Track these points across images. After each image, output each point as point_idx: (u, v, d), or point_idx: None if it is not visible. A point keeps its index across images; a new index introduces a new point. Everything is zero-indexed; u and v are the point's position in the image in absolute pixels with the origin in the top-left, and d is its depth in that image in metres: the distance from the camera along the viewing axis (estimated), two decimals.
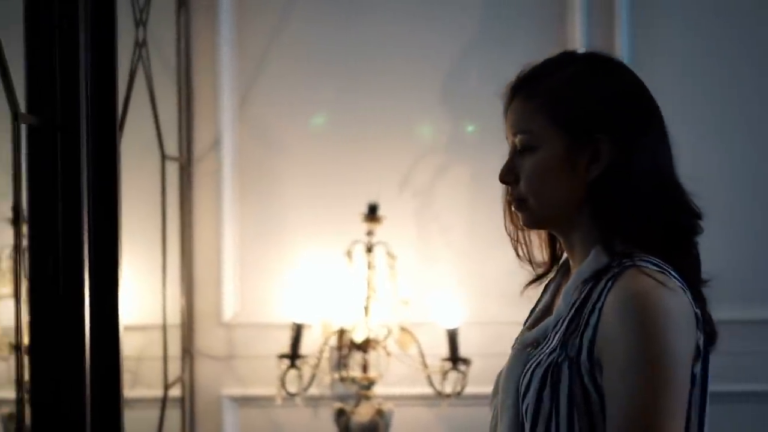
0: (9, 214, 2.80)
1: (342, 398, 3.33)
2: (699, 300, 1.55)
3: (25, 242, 2.72)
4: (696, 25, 3.48)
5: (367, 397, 3.23)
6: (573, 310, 1.53)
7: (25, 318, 2.85)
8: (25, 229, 2.92)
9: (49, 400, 1.22)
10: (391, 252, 3.29)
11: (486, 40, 3.46)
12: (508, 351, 3.43)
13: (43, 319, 1.18)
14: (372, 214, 3.26)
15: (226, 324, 3.45)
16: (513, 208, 1.65)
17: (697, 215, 1.61)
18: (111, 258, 1.60)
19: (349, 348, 3.22)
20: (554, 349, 1.52)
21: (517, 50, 3.44)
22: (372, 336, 3.22)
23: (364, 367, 3.23)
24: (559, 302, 1.60)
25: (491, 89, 3.43)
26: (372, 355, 3.23)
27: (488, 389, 3.41)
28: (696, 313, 1.51)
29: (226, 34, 3.45)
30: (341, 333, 3.24)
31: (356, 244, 3.28)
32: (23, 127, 1.05)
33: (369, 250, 3.27)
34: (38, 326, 1.21)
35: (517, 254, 1.72)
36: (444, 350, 3.20)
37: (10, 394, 2.79)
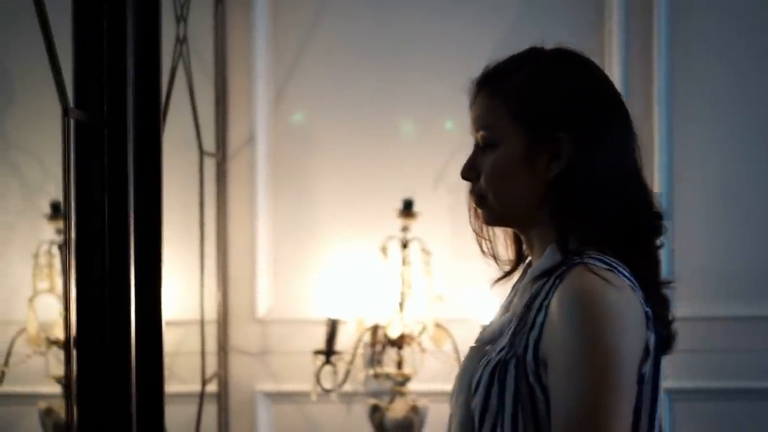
0: (47, 209, 2.83)
1: (376, 394, 3.33)
2: (656, 300, 1.53)
3: (60, 238, 2.74)
4: (735, 24, 3.45)
5: (402, 394, 3.23)
6: (523, 308, 1.53)
7: (66, 313, 2.88)
8: (62, 224, 2.95)
9: (96, 395, 1.22)
10: (426, 248, 3.29)
11: (520, 36, 3.44)
12: None
13: (90, 314, 1.18)
14: (407, 209, 3.26)
15: (260, 320, 3.46)
16: (474, 205, 1.64)
17: (658, 215, 1.58)
18: (154, 253, 1.61)
19: (383, 344, 3.22)
20: (503, 347, 1.51)
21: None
22: (407, 332, 3.22)
23: (399, 364, 3.23)
24: (515, 300, 1.60)
25: None
26: (407, 351, 3.23)
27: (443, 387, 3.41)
28: (646, 312, 1.48)
29: (261, 30, 3.45)
30: (375, 329, 3.24)
31: (391, 240, 3.28)
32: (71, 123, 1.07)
33: (404, 246, 3.27)
34: (85, 321, 1.21)
35: (482, 250, 1.71)
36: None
37: (48, 388, 2.82)
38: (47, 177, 2.75)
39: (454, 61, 3.46)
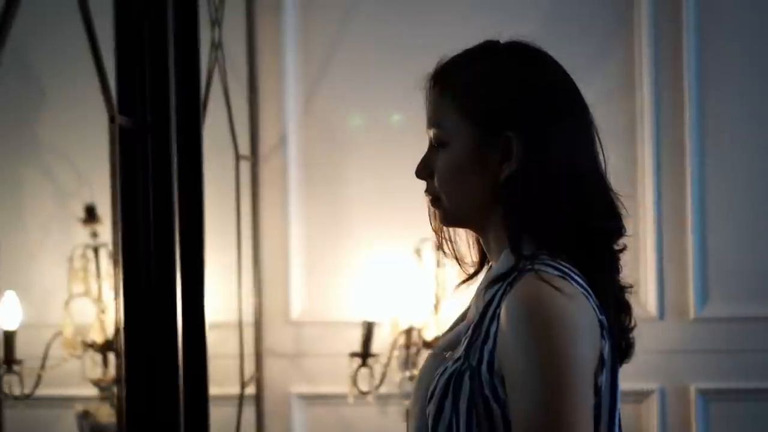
0: (81, 213, 2.84)
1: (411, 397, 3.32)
2: (613, 307, 1.47)
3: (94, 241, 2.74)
4: (765, 23, 3.43)
5: None
6: (479, 316, 1.46)
7: (102, 316, 2.89)
8: (95, 228, 2.96)
9: (143, 397, 1.23)
10: None
11: (551, 38, 3.40)
12: None
13: (137, 316, 1.19)
14: None
15: (294, 322, 3.46)
16: (430, 204, 1.58)
17: (614, 218, 1.51)
18: (197, 256, 1.62)
19: (418, 346, 3.21)
20: (459, 358, 1.46)
21: (583, 48, 3.43)
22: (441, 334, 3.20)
23: None
24: (472, 306, 1.54)
25: None
26: None
27: None
28: (600, 321, 1.42)
29: (290, 32, 3.46)
30: (410, 331, 3.23)
31: (425, 241, 3.27)
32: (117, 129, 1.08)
33: (438, 247, 3.26)
34: (132, 324, 1.22)
35: (443, 251, 1.65)
36: None
37: (84, 391, 2.83)
38: (81, 181, 2.76)
39: None
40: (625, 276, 1.52)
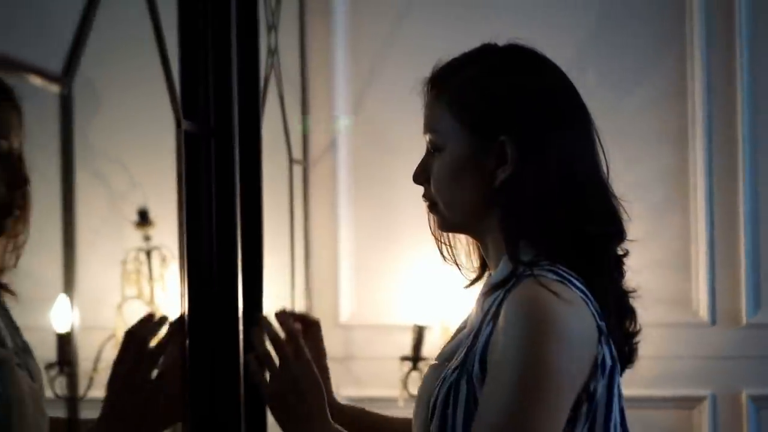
0: (134, 217, 2.87)
1: None
2: (613, 313, 1.47)
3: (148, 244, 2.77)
4: None
5: None
6: (479, 324, 1.46)
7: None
8: (148, 231, 2.98)
9: (205, 399, 1.25)
10: None
11: (602, 39, 3.42)
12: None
13: (200, 319, 1.21)
14: None
15: (344, 325, 3.47)
16: (428, 210, 1.58)
17: (614, 222, 1.51)
18: (256, 259, 1.65)
19: None
20: (457, 366, 1.45)
21: (637, 50, 3.41)
22: None
23: None
24: (473, 315, 1.54)
25: (608, 89, 3.42)
26: None
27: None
28: (599, 327, 1.41)
29: (341, 36, 3.47)
30: None
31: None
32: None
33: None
34: (196, 327, 1.24)
35: (442, 255, 1.66)
36: None
37: None
38: (133, 184, 2.79)
39: None
40: (629, 280, 1.53)
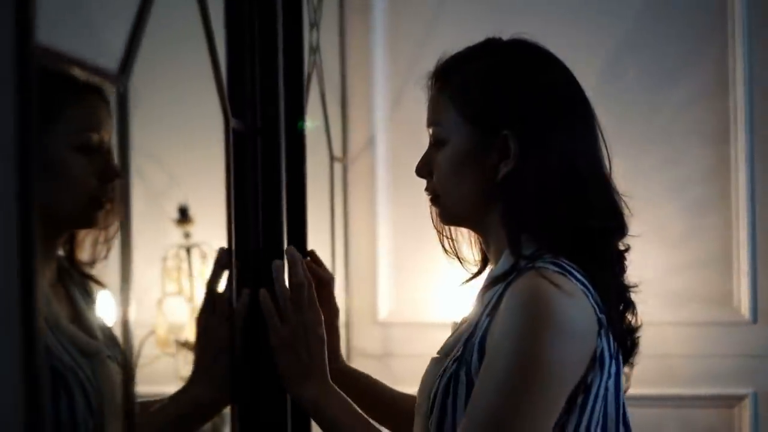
0: (174, 214, 2.88)
1: None
2: (614, 307, 1.46)
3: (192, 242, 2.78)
4: None
5: None
6: (479, 316, 1.47)
7: (195, 315, 2.93)
8: (189, 228, 3.00)
9: (249, 397, 1.26)
10: None
11: (643, 36, 3.41)
12: (670, 352, 3.37)
13: (248, 314, 1.24)
14: None
15: (382, 322, 3.47)
16: (430, 203, 1.60)
17: (615, 217, 1.51)
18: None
19: None
20: (457, 358, 1.46)
21: (677, 48, 3.39)
22: None
23: None
24: (473, 308, 1.54)
25: (647, 87, 3.40)
26: None
27: (652, 391, 3.35)
28: (600, 320, 1.41)
29: (380, 34, 3.48)
30: None
31: None
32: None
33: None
34: (244, 323, 1.27)
35: (444, 248, 1.68)
36: None
37: (177, 389, 2.88)
38: (174, 182, 2.80)
39: (571, 63, 3.43)
40: (630, 275, 1.53)
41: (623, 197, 1.53)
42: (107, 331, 1.67)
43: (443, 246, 1.68)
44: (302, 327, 1.58)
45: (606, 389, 1.43)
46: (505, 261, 1.47)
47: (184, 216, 2.90)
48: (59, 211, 1.57)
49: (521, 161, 1.45)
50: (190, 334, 2.90)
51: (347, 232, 3.47)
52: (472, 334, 1.46)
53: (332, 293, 1.79)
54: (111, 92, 1.63)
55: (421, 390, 1.55)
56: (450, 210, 1.55)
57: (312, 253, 1.79)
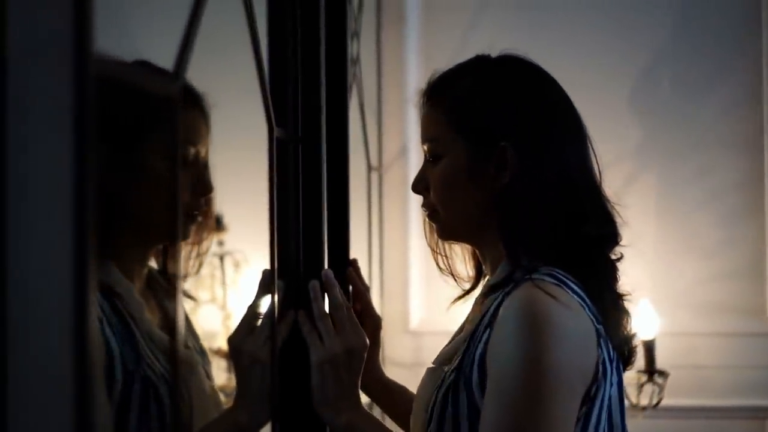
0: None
1: None
2: (610, 315, 1.46)
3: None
4: None
5: None
6: (476, 326, 1.47)
7: (228, 323, 2.94)
8: (224, 236, 3.02)
9: (290, 419, 1.27)
10: None
11: (678, 47, 3.40)
12: (702, 363, 3.36)
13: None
14: None
15: (413, 331, 3.48)
16: (427, 219, 1.61)
17: (609, 225, 1.52)
18: (342, 266, 1.70)
19: None
20: (455, 368, 1.46)
21: (711, 58, 3.38)
22: None
23: None
24: (470, 317, 1.56)
25: (682, 98, 3.39)
26: None
27: (683, 402, 3.34)
28: (597, 330, 1.41)
29: (413, 45, 3.49)
30: None
31: None
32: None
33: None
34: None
35: (438, 266, 1.69)
36: (639, 361, 3.15)
37: None
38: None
39: (607, 73, 3.43)
40: (624, 284, 1.53)
41: (615, 206, 1.55)
42: (197, 343, 1.69)
43: (437, 264, 1.69)
44: (344, 349, 1.55)
45: (609, 398, 1.43)
46: (502, 270, 1.49)
47: (217, 224, 2.92)
48: (151, 222, 1.58)
49: (518, 172, 1.48)
50: (222, 342, 2.92)
51: (382, 242, 3.48)
52: (470, 345, 1.46)
53: (371, 304, 1.80)
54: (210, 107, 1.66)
55: (417, 401, 1.56)
56: (449, 225, 1.56)
57: (354, 263, 1.79)
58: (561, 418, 1.37)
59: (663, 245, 3.40)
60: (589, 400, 1.40)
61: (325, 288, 1.55)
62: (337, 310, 1.54)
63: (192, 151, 1.61)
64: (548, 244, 1.47)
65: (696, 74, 3.40)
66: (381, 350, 1.86)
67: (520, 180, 1.48)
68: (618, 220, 1.54)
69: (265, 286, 1.48)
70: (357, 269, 1.78)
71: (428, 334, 3.45)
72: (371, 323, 1.76)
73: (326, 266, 1.42)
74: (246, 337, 1.48)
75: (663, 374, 3.13)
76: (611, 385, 1.43)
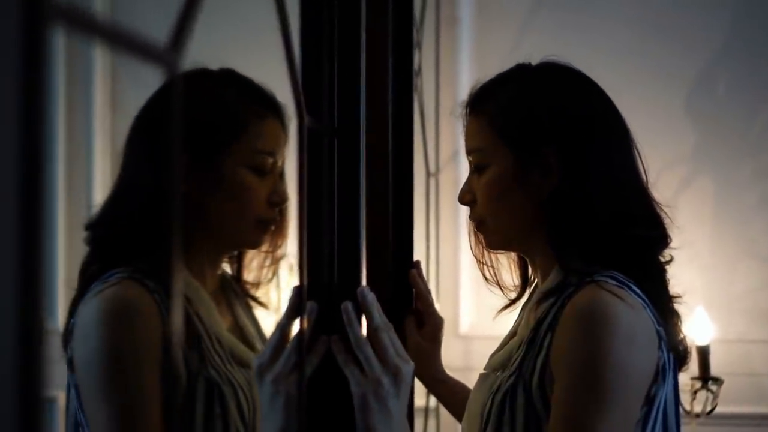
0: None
1: None
2: (666, 317, 1.46)
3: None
4: None
5: None
6: (532, 332, 1.46)
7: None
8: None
9: (327, 409, 1.23)
10: None
11: (734, 51, 3.36)
12: (756, 370, 3.32)
13: (319, 323, 1.19)
14: None
15: (464, 336, 3.46)
16: (475, 229, 1.61)
17: (658, 227, 1.51)
18: (405, 268, 1.75)
19: None
20: (512, 373, 1.45)
21: (767, 59, 3.34)
22: None
23: None
24: (522, 324, 1.55)
25: (739, 100, 3.35)
26: None
27: (737, 409, 3.30)
28: (658, 332, 1.41)
29: (465, 50, 3.48)
30: None
31: None
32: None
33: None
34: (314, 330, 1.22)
35: (485, 277, 1.69)
36: (693, 368, 3.11)
37: None
38: None
39: (662, 77, 3.39)
40: (676, 288, 1.54)
41: (664, 208, 1.54)
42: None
43: (484, 275, 1.70)
44: (390, 376, 1.30)
45: (665, 400, 1.43)
46: (555, 276, 1.48)
47: None
48: (226, 228, 1.62)
49: (563, 177, 1.48)
50: None
51: (438, 246, 3.47)
52: (528, 350, 1.45)
53: (433, 305, 1.79)
54: (290, 118, 1.65)
55: (470, 406, 1.54)
56: (498, 234, 1.56)
57: (417, 265, 1.78)
58: (623, 418, 1.36)
59: (718, 250, 3.35)
60: (649, 401, 1.39)
61: (362, 308, 1.33)
62: (378, 332, 1.31)
63: (270, 160, 1.62)
64: (599, 248, 1.46)
65: (752, 77, 3.36)
66: (440, 351, 1.87)
67: (566, 185, 1.47)
68: (667, 221, 1.52)
69: (294, 306, 1.32)
70: (420, 271, 1.77)
71: (478, 339, 3.44)
72: (432, 322, 1.78)
73: (364, 282, 1.26)
74: (270, 364, 1.29)
75: (717, 381, 3.08)
76: (668, 386, 1.43)
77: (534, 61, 1.59)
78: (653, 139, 3.37)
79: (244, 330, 1.71)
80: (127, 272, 1.53)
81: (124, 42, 0.56)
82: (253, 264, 1.76)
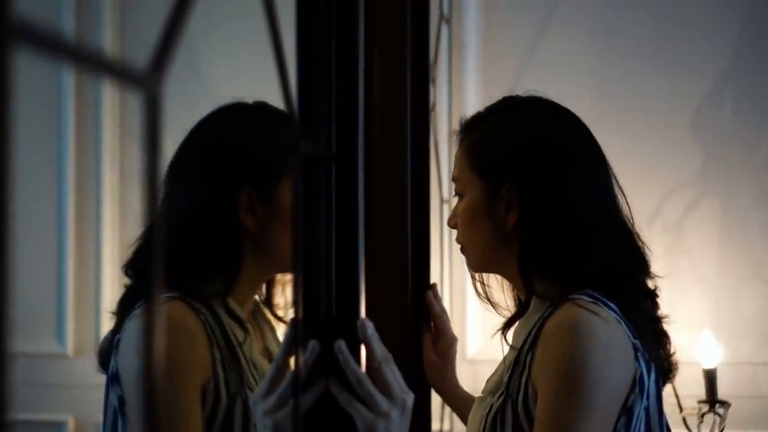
0: None
1: None
2: (650, 335, 1.52)
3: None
4: None
5: None
6: (517, 353, 1.53)
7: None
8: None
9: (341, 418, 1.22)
10: None
11: (740, 72, 3.34)
12: (764, 393, 3.28)
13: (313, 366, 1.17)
14: None
15: (471, 360, 3.44)
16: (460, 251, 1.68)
17: (626, 256, 1.54)
18: (422, 289, 1.81)
19: None
20: (501, 394, 1.52)
21: None
22: None
23: None
24: (511, 347, 1.62)
25: (746, 121, 3.33)
26: None
27: None
28: (634, 344, 1.46)
29: (471, 70, 3.47)
30: None
31: None
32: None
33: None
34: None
35: (476, 291, 1.76)
36: (700, 391, 3.07)
37: None
38: None
39: (668, 97, 3.37)
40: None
41: (639, 235, 1.59)
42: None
43: (475, 289, 1.76)
44: (397, 409, 1.27)
45: (647, 410, 1.48)
46: (534, 305, 1.58)
47: None
48: (280, 257, 1.65)
49: (524, 210, 1.54)
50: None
51: (452, 271, 3.46)
52: (513, 371, 1.51)
53: (447, 324, 1.86)
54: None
55: (469, 428, 1.60)
56: (473, 258, 1.65)
57: (434, 287, 1.85)
58: (602, 423, 1.41)
59: (726, 272, 3.32)
60: (627, 411, 1.44)
61: (362, 341, 1.29)
62: (381, 366, 1.28)
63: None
64: (562, 278, 1.51)
65: (759, 98, 3.33)
66: (455, 366, 1.94)
67: (527, 217, 1.53)
68: (643, 249, 1.58)
69: (291, 341, 1.28)
70: (436, 292, 1.84)
71: (485, 363, 3.41)
72: (444, 341, 1.85)
73: (363, 294, 1.20)
74: (264, 396, 1.27)
75: (724, 404, 3.04)
76: (648, 397, 1.48)
77: (543, 87, 1.65)
78: (660, 162, 3.37)
79: (272, 354, 1.75)
80: (175, 294, 1.56)
81: (103, 66, 0.54)
82: (279, 287, 1.82)
